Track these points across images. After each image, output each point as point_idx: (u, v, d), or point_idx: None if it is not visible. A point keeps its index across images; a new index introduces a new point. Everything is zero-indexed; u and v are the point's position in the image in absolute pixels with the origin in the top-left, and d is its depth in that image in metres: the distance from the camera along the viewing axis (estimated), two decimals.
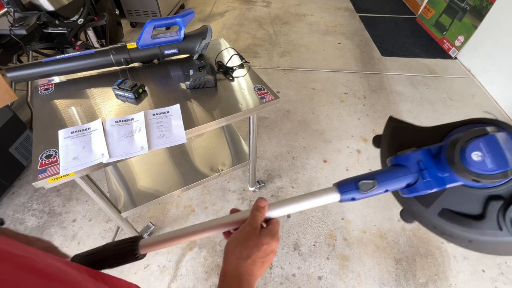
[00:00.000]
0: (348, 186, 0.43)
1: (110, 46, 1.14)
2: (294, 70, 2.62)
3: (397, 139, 0.49)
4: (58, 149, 0.86)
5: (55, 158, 0.84)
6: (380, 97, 2.32)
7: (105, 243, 0.44)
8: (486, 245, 0.44)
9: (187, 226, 0.45)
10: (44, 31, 1.78)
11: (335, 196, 0.43)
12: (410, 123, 0.48)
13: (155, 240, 0.44)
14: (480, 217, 0.39)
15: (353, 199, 0.43)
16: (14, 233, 0.45)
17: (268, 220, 0.46)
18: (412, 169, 0.41)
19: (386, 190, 0.43)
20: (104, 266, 0.42)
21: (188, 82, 1.08)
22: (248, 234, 0.40)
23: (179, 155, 1.50)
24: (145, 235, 1.43)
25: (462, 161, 0.35)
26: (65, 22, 1.80)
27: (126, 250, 0.43)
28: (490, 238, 0.41)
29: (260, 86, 1.11)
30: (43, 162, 0.83)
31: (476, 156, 0.34)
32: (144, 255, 0.44)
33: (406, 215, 0.48)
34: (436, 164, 0.40)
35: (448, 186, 0.39)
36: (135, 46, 1.14)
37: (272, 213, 0.46)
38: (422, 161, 0.41)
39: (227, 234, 0.46)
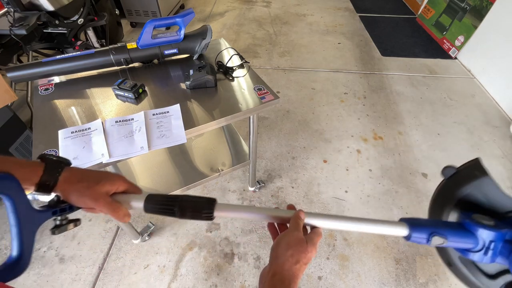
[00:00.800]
0: (421, 232, 0.44)
1: (110, 46, 1.14)
2: (294, 70, 2.62)
3: (477, 193, 0.47)
4: (58, 149, 0.86)
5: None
6: (380, 97, 2.32)
7: (181, 194, 0.48)
8: None
9: (250, 206, 0.48)
10: (44, 31, 1.78)
11: (402, 232, 0.45)
12: (496, 184, 0.46)
13: (227, 207, 0.48)
14: None
15: (418, 243, 0.45)
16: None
17: (312, 228, 0.49)
18: (480, 241, 0.43)
19: (448, 246, 0.46)
20: (175, 214, 0.46)
21: (188, 82, 1.08)
22: (298, 240, 0.43)
23: (179, 155, 1.50)
24: (145, 235, 1.43)
25: None
26: (65, 22, 1.80)
27: (204, 207, 0.46)
28: None
29: (260, 86, 1.11)
30: None
31: None
32: (214, 217, 0.47)
33: (451, 265, 0.51)
34: (503, 250, 0.42)
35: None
36: (135, 46, 1.14)
37: (324, 224, 0.48)
38: (493, 242, 0.42)
39: (271, 226, 0.52)
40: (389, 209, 1.57)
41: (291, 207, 0.52)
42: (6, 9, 1.61)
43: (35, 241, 0.39)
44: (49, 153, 0.85)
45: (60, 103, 1.04)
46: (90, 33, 2.08)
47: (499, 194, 0.45)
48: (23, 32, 1.51)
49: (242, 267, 1.36)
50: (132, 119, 0.95)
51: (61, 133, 0.90)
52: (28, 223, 0.39)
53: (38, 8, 1.66)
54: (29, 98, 1.88)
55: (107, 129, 0.92)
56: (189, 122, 0.96)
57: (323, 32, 3.20)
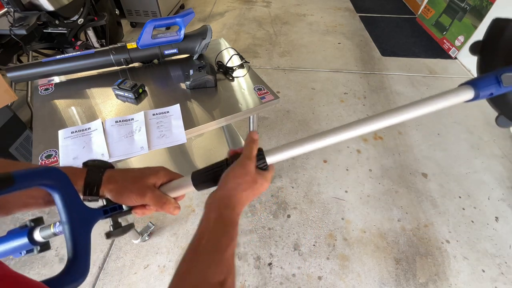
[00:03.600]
0: (487, 81, 0.41)
1: (110, 46, 1.14)
2: (294, 70, 2.62)
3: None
4: (58, 149, 0.86)
5: (55, 158, 0.84)
6: (380, 97, 2.32)
7: (225, 158, 0.47)
8: None
9: (297, 140, 0.47)
10: (44, 31, 1.78)
11: (468, 95, 0.42)
12: None
13: (277, 151, 0.47)
14: None
15: (491, 94, 0.41)
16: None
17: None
18: None
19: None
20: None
21: (188, 82, 1.08)
22: (245, 167, 0.43)
23: (179, 155, 1.50)
24: (145, 235, 1.43)
25: None
26: (65, 22, 1.80)
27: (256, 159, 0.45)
28: None
29: (260, 86, 1.11)
30: (43, 162, 0.83)
31: None
32: (268, 166, 0.47)
33: (506, 122, 0.47)
34: None
35: None
36: (135, 46, 1.14)
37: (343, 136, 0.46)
38: None
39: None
40: (389, 209, 1.57)
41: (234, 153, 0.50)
42: (6, 9, 1.61)
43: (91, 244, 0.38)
44: (45, 155, 0.85)
45: (60, 103, 1.05)
46: (90, 33, 2.08)
47: None
48: (23, 32, 1.51)
49: (242, 267, 1.35)
50: (132, 119, 0.95)
51: (61, 133, 0.90)
52: (80, 221, 0.37)
53: (38, 8, 1.66)
54: (29, 98, 1.87)
55: (107, 129, 0.92)
56: (189, 122, 0.96)
57: (323, 32, 3.20)
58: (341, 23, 3.38)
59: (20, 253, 0.40)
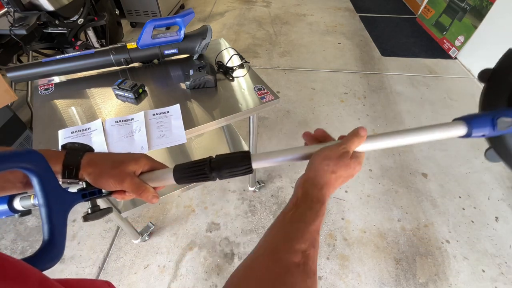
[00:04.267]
0: (482, 122, 0.40)
1: (110, 46, 1.14)
2: (294, 70, 2.62)
3: None
4: (58, 149, 0.86)
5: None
6: (380, 97, 2.32)
7: (210, 156, 0.46)
8: None
9: (285, 149, 0.47)
10: (44, 31, 1.78)
11: (461, 131, 0.41)
12: None
13: (264, 156, 0.46)
14: None
15: (483, 135, 0.41)
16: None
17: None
18: None
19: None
20: (209, 177, 0.45)
21: (188, 82, 1.08)
22: (341, 155, 0.42)
23: (179, 155, 1.50)
24: (145, 235, 1.43)
25: None
26: (65, 22, 1.80)
27: (240, 160, 0.44)
28: None
29: (260, 86, 1.11)
30: None
31: None
32: (253, 170, 0.45)
33: (495, 156, 0.46)
34: None
35: None
36: (135, 46, 1.14)
37: (366, 146, 0.45)
38: None
39: (309, 136, 0.51)
40: (389, 209, 1.57)
41: (319, 133, 0.49)
42: (6, 9, 1.61)
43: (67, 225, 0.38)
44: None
45: (60, 103, 1.04)
46: (90, 33, 2.08)
47: None
48: (23, 32, 1.51)
49: None
50: (132, 119, 0.95)
51: (61, 133, 0.90)
52: (58, 204, 0.37)
53: (38, 8, 1.66)
54: (29, 98, 1.88)
55: (107, 129, 0.92)
56: (189, 122, 0.96)
57: (323, 32, 3.20)
58: (341, 23, 3.38)
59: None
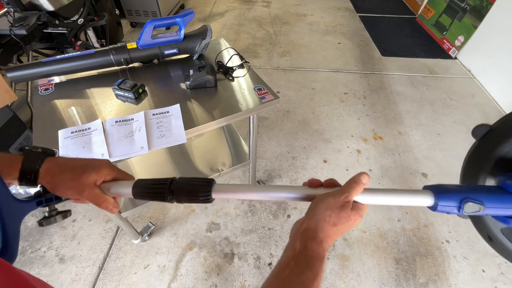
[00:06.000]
0: (450, 200, 0.38)
1: (110, 46, 1.14)
2: (294, 70, 2.62)
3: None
4: (58, 149, 0.86)
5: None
6: (380, 97, 2.32)
7: (174, 177, 0.44)
8: None
9: (254, 185, 0.47)
10: (44, 31, 1.78)
11: (428, 201, 0.40)
12: None
13: (227, 188, 0.44)
14: None
15: (448, 213, 0.39)
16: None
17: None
18: None
19: (487, 214, 0.39)
20: (166, 199, 0.43)
21: (188, 82, 1.08)
22: (342, 205, 0.39)
23: (179, 155, 1.50)
24: (145, 235, 1.43)
25: None
26: (65, 22, 1.80)
27: (200, 188, 0.43)
28: None
29: (260, 86, 1.11)
30: None
31: None
32: (213, 199, 0.43)
33: (491, 240, 0.44)
34: None
35: None
36: (135, 46, 1.14)
37: (358, 198, 0.43)
38: None
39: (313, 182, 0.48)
40: (389, 209, 1.57)
41: (330, 183, 0.45)
42: (6, 9, 1.61)
43: (20, 233, 0.38)
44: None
45: (60, 103, 1.04)
46: (90, 33, 2.08)
47: None
48: (23, 32, 1.51)
49: (242, 267, 1.36)
50: (132, 119, 0.95)
51: (61, 133, 0.90)
52: (10, 213, 0.36)
53: (38, 8, 1.66)
54: (29, 98, 1.87)
55: (107, 129, 0.92)
56: (189, 122, 0.96)
57: (323, 32, 3.20)
58: (341, 23, 3.38)
59: None
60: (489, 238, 0.44)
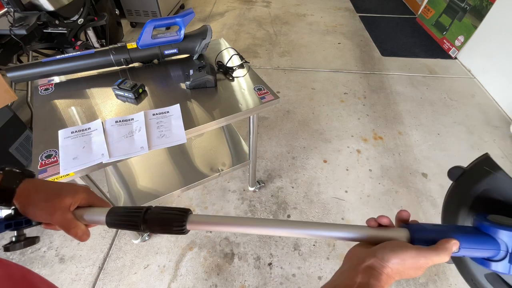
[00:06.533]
0: (425, 239, 0.38)
1: (110, 46, 1.14)
2: (294, 70, 2.62)
3: (492, 191, 0.40)
4: (58, 149, 0.86)
5: (55, 158, 0.84)
6: (380, 97, 2.32)
7: (150, 206, 0.43)
8: None
9: (236, 217, 0.43)
10: (44, 31, 1.78)
11: (402, 239, 0.39)
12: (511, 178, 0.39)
13: (204, 219, 0.42)
14: None
15: None
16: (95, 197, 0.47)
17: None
18: (502, 245, 0.36)
19: (462, 255, 0.38)
20: (139, 228, 0.41)
21: (188, 82, 1.08)
22: (418, 268, 0.36)
23: (179, 155, 1.50)
24: (145, 235, 1.43)
25: None
26: (65, 22, 1.80)
27: (174, 219, 0.41)
28: None
29: (260, 86, 1.11)
30: (43, 162, 0.83)
31: None
32: (187, 231, 0.42)
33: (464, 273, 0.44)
34: None
35: None
36: (135, 46, 1.14)
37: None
38: None
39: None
40: (389, 209, 1.57)
41: (402, 216, 0.42)
42: (6, 9, 1.61)
43: None
44: (45, 155, 0.84)
45: (60, 103, 1.04)
46: (90, 33, 2.08)
47: None
48: (23, 32, 1.51)
49: (242, 267, 1.36)
50: (132, 119, 0.95)
51: (61, 133, 0.90)
52: None
53: (38, 8, 1.66)
54: (29, 98, 1.88)
55: (107, 129, 0.92)
56: (189, 122, 0.96)
57: (323, 32, 3.20)
58: (341, 23, 3.38)
59: None
60: (475, 285, 0.42)
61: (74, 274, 1.33)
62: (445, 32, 2.91)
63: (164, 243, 1.44)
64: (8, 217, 0.41)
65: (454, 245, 0.36)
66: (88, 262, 1.36)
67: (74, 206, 0.44)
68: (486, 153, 0.42)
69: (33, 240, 0.44)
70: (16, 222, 0.42)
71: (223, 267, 1.36)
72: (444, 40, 2.90)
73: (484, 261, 0.38)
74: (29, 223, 0.43)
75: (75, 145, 0.87)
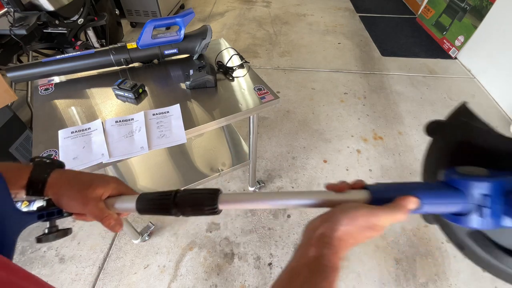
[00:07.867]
0: (385, 199, 0.36)
1: (110, 46, 1.14)
2: (294, 70, 2.62)
3: (464, 142, 0.38)
4: (58, 149, 0.86)
5: (55, 158, 0.84)
6: (380, 97, 2.32)
7: (178, 189, 0.42)
8: (505, 275, 0.38)
9: (262, 192, 0.41)
10: (44, 31, 1.78)
11: (361, 199, 0.38)
12: (489, 126, 0.36)
13: (235, 198, 0.40)
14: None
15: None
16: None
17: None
18: (469, 199, 0.33)
19: (426, 212, 0.36)
20: (171, 213, 0.40)
21: (188, 82, 1.08)
22: (371, 227, 0.34)
23: (179, 155, 1.50)
24: (145, 235, 1.43)
25: None
26: (65, 22, 1.80)
27: (205, 200, 0.40)
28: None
29: (260, 86, 1.11)
30: None
31: None
32: (220, 211, 0.40)
33: (431, 218, 0.41)
34: (506, 205, 0.31)
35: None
36: (135, 46, 1.14)
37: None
38: (490, 196, 0.32)
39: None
40: None
41: (360, 184, 0.40)
42: (6, 9, 1.61)
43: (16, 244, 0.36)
44: (45, 155, 0.83)
45: (60, 103, 1.04)
46: (90, 33, 2.08)
47: (494, 137, 0.35)
48: (23, 32, 1.51)
49: (242, 267, 1.36)
50: (132, 119, 0.95)
51: (61, 133, 0.90)
52: (9, 223, 0.35)
53: (38, 8, 1.66)
54: (29, 98, 1.88)
55: (107, 129, 0.92)
56: (189, 122, 0.96)
57: (323, 32, 3.20)
58: (341, 23, 3.38)
59: None
60: (461, 246, 0.40)
61: (74, 274, 1.33)
62: (445, 32, 2.91)
63: (164, 243, 1.44)
64: (40, 208, 0.41)
65: (411, 203, 0.34)
66: (88, 262, 1.36)
67: (106, 195, 0.44)
68: (464, 102, 0.40)
69: (65, 232, 0.44)
70: (49, 212, 0.42)
71: (223, 267, 1.36)
72: (444, 40, 2.90)
73: (456, 218, 0.34)
74: (60, 213, 0.43)
75: (75, 145, 0.87)
